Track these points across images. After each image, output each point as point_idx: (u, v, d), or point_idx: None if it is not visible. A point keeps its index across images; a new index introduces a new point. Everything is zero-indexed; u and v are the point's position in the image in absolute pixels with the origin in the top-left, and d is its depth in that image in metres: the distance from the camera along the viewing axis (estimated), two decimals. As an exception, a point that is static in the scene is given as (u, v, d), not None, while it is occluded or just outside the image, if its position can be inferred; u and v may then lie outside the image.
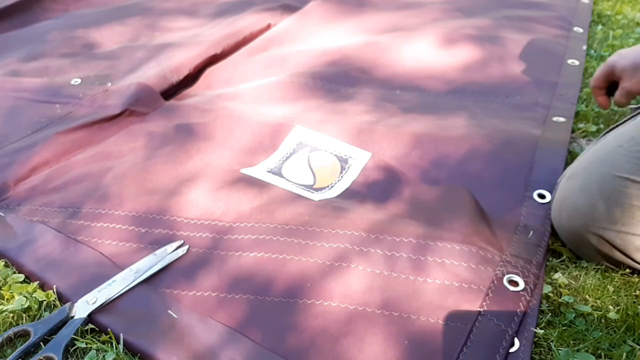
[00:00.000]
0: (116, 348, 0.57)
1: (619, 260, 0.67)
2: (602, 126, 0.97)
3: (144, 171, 0.84)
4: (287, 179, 0.83)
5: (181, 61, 1.14)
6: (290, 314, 0.61)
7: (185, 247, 0.70)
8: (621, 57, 0.86)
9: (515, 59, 1.14)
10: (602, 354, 0.57)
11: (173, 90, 1.10)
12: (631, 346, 0.58)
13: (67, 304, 0.62)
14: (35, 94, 1.05)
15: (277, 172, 0.85)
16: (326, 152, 0.88)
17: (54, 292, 0.64)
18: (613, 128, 0.77)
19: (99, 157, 0.89)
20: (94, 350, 0.58)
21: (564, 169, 0.81)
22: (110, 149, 0.91)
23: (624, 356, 0.56)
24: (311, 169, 0.86)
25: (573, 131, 0.95)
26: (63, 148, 0.90)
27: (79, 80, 1.11)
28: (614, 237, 0.65)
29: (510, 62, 1.13)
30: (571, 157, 0.87)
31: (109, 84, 1.10)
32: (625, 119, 0.78)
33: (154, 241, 0.71)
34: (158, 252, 0.69)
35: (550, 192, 0.78)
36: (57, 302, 0.64)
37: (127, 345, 0.58)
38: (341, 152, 0.88)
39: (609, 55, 1.22)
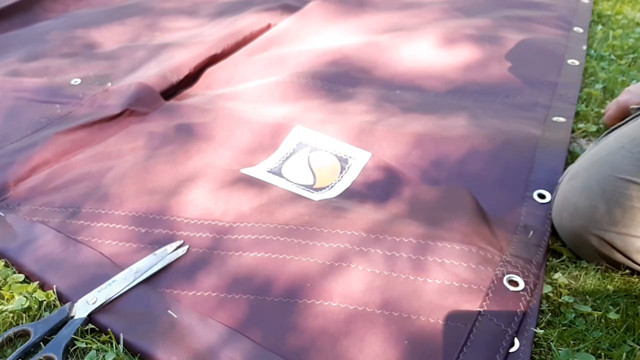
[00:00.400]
0: (116, 348, 0.57)
1: (619, 261, 0.67)
2: (602, 126, 0.96)
3: (144, 171, 0.84)
4: (287, 179, 0.83)
5: (181, 61, 1.14)
6: (290, 314, 0.61)
7: (185, 247, 0.70)
8: (633, 95, 0.89)
9: (515, 59, 1.14)
10: (602, 354, 0.57)
11: (173, 90, 1.10)
12: (631, 346, 0.58)
13: (67, 304, 0.62)
14: (35, 94, 1.05)
15: (277, 172, 0.85)
16: (326, 152, 0.88)
17: (54, 292, 0.64)
18: (614, 129, 0.77)
19: (99, 157, 0.89)
20: (94, 350, 0.58)
21: (564, 169, 0.81)
22: (111, 149, 0.91)
23: (624, 356, 0.56)
24: (311, 169, 0.86)
25: (573, 131, 0.95)
26: (63, 148, 0.90)
27: (79, 80, 1.11)
28: (615, 238, 0.65)
29: (510, 62, 1.13)
30: (571, 157, 0.87)
31: (109, 84, 1.10)
32: (627, 119, 0.78)
33: (154, 241, 0.71)
34: (158, 252, 0.69)
35: (551, 192, 0.78)
36: (57, 302, 0.64)
37: (127, 345, 0.58)
38: (341, 152, 0.88)
39: (609, 55, 1.22)
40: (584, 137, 0.95)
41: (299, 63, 1.15)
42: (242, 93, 1.07)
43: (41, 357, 0.56)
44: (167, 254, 0.69)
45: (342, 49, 1.19)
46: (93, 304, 0.62)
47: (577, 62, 1.15)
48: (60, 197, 0.80)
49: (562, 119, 0.95)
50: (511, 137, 0.88)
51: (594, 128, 0.96)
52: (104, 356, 0.57)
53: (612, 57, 1.22)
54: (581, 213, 0.68)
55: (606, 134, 0.77)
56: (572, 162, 0.78)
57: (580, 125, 0.97)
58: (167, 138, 0.91)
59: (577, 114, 1.00)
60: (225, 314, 0.61)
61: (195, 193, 0.78)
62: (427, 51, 1.17)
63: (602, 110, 1.01)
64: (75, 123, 0.95)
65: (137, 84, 1.03)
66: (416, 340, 0.58)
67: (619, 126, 0.77)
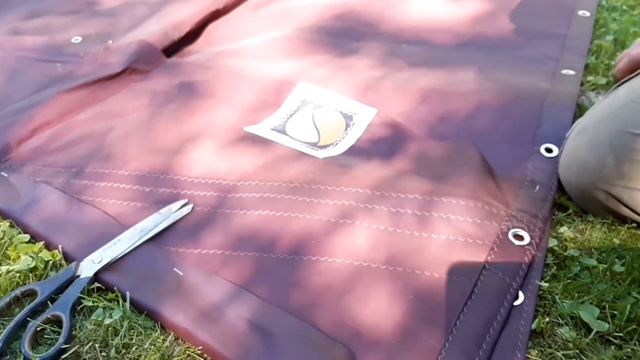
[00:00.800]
0: (122, 306, 0.58)
1: (626, 215, 0.66)
2: (611, 79, 0.94)
3: (147, 130, 0.83)
4: (291, 137, 0.82)
5: (183, 17, 1.12)
6: (295, 271, 0.61)
7: (190, 206, 0.70)
8: None
9: (524, 10, 1.11)
10: (607, 305, 0.57)
11: (174, 47, 1.08)
12: (636, 298, 0.58)
13: (73, 263, 0.62)
14: (36, 53, 1.04)
15: (281, 130, 0.84)
16: (331, 109, 0.87)
17: (59, 251, 0.65)
18: (624, 82, 0.75)
19: (101, 116, 0.88)
20: (101, 309, 0.58)
21: (573, 122, 0.80)
22: (113, 107, 0.90)
23: (628, 307, 0.56)
24: (315, 126, 0.85)
25: (582, 84, 0.93)
26: (65, 107, 0.89)
27: (79, 39, 1.09)
28: (622, 192, 0.64)
29: (519, 14, 1.10)
30: (580, 110, 0.85)
31: (110, 42, 1.08)
32: (637, 72, 0.76)
33: (159, 200, 0.71)
34: (163, 210, 0.69)
35: (558, 146, 0.77)
36: (63, 262, 0.64)
37: (133, 303, 0.58)
38: (346, 108, 0.86)
39: (621, 5, 1.19)
40: (593, 90, 0.93)
41: (304, 17, 1.13)
42: (244, 49, 1.05)
43: (49, 316, 0.57)
44: (172, 212, 0.69)
45: (348, 2, 1.16)
46: (99, 262, 0.62)
47: (587, 14, 1.12)
48: (64, 157, 0.79)
49: (571, 72, 0.93)
50: (519, 91, 0.86)
51: (603, 81, 0.94)
52: (110, 314, 0.57)
53: (624, 7, 1.19)
54: (589, 169, 0.67)
55: (616, 87, 0.75)
56: (581, 115, 0.77)
57: (590, 78, 0.95)
58: (169, 96, 0.90)
59: (586, 66, 0.98)
60: (231, 271, 0.62)
61: (199, 152, 0.78)
62: (434, 4, 1.14)
63: (612, 63, 0.99)
64: (77, 82, 0.93)
65: (138, 41, 1.02)
66: (421, 294, 0.58)
67: (630, 79, 0.75)
